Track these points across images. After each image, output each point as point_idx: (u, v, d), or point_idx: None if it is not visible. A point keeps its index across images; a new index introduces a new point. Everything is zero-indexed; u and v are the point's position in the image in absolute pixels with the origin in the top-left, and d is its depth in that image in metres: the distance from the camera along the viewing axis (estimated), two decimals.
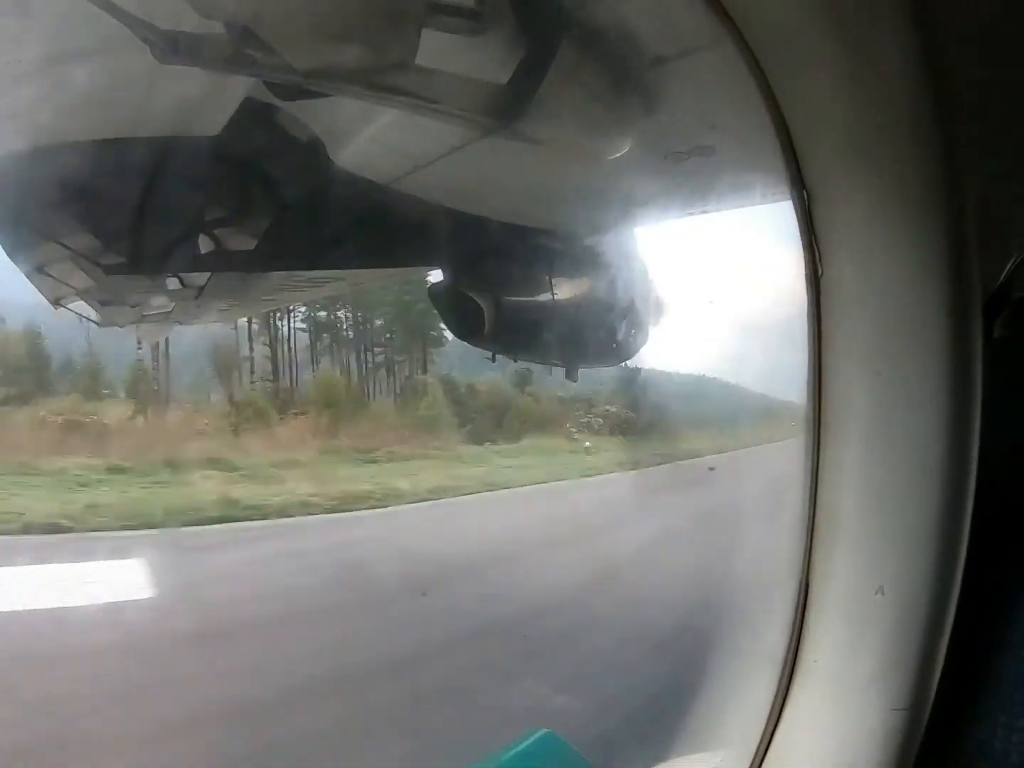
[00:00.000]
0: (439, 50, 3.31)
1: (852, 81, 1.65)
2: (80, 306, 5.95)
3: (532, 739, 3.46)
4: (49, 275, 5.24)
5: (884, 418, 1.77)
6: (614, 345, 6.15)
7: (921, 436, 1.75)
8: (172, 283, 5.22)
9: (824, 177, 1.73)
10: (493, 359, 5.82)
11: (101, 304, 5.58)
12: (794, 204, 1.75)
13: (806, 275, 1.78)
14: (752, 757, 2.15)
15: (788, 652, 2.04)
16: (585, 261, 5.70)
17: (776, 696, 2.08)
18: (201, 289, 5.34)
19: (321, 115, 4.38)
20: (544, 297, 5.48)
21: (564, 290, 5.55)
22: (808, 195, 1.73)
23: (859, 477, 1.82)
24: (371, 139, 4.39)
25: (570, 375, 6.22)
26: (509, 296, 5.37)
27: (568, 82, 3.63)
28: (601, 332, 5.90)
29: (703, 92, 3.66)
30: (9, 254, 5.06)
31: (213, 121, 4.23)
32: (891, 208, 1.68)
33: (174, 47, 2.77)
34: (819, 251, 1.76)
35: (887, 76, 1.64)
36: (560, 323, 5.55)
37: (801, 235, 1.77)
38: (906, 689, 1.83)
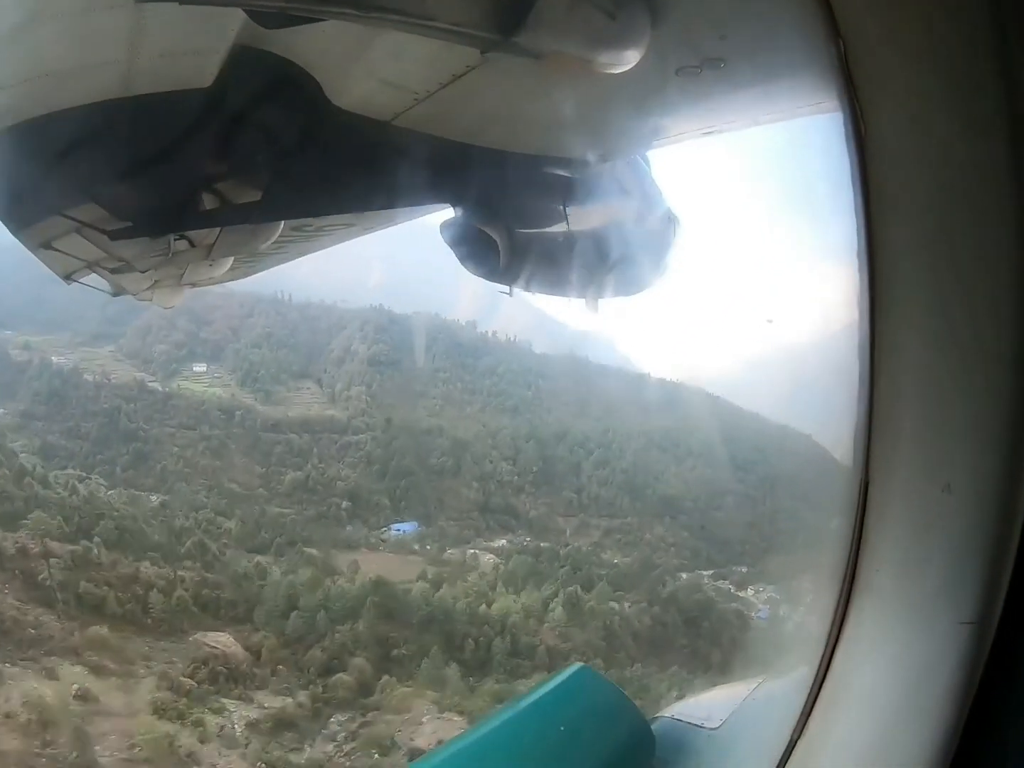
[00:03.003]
0: None
1: None
2: (92, 279, 5.90)
3: (567, 672, 3.49)
4: (57, 250, 5.17)
5: (945, 293, 1.60)
6: (633, 274, 6.02)
7: (988, 312, 1.57)
8: (180, 244, 5.14)
9: (860, 23, 1.52)
10: (510, 293, 5.72)
11: (111, 273, 5.52)
12: (831, 58, 1.56)
13: (848, 135, 1.60)
14: (812, 680, 2.02)
15: (847, 561, 1.90)
16: (599, 188, 5.55)
17: (836, 611, 1.95)
18: (211, 247, 5.26)
19: (314, 54, 4.23)
20: (559, 227, 5.36)
21: (579, 219, 5.42)
22: (844, 45, 1.54)
23: (920, 361, 1.67)
24: (368, 74, 4.24)
25: (590, 306, 6.11)
26: (523, 228, 5.24)
27: None
28: (619, 261, 5.77)
29: None
30: (14, 233, 5.00)
31: (203, 72, 4.10)
32: (939, 51, 1.48)
33: None
34: (860, 107, 1.57)
35: None
36: (576, 253, 5.43)
37: (839, 92, 1.58)
38: (974, 600, 1.67)
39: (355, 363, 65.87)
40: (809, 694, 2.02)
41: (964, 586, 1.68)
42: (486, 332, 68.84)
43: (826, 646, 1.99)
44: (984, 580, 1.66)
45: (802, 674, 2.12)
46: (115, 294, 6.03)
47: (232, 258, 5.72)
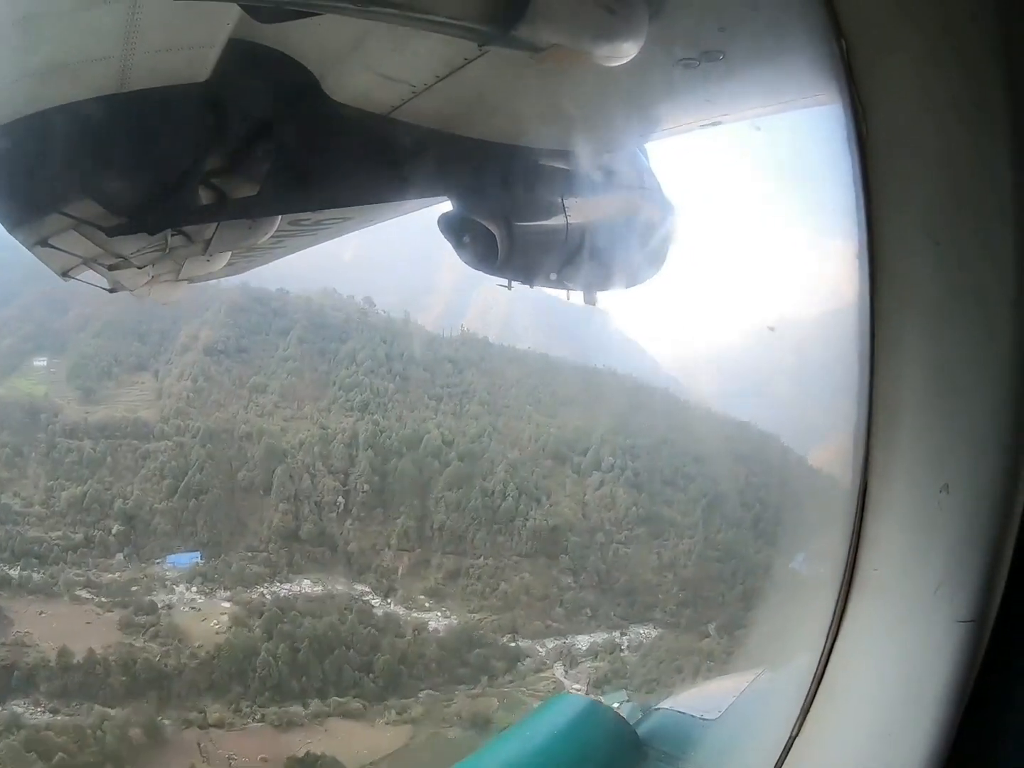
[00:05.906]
0: None
1: None
2: (89, 275, 5.88)
3: (555, 702, 3.61)
4: (54, 247, 5.14)
5: (946, 294, 1.60)
6: (632, 267, 6.02)
7: (987, 313, 1.56)
8: (177, 239, 5.12)
9: (863, 23, 1.52)
10: (509, 287, 5.71)
11: (109, 269, 5.49)
12: (833, 58, 1.56)
13: (850, 136, 1.59)
14: (810, 676, 2.04)
15: (846, 560, 1.92)
16: (598, 181, 5.54)
17: (835, 609, 1.97)
18: (208, 242, 5.24)
19: (311, 48, 4.21)
20: (558, 220, 5.35)
21: (578, 212, 5.41)
22: (847, 45, 1.53)
23: (920, 362, 1.68)
24: (365, 68, 4.22)
25: (588, 299, 6.11)
26: (521, 221, 5.22)
27: None
28: (618, 254, 5.77)
29: None
30: (10, 231, 4.97)
31: (200, 67, 4.08)
32: (941, 52, 1.47)
33: None
34: (863, 108, 1.57)
35: None
36: (575, 246, 5.42)
37: (841, 92, 1.58)
38: (972, 598, 1.68)
39: (194, 352, 54.65)
40: (808, 691, 2.03)
41: (962, 585, 1.69)
42: (377, 311, 57.80)
43: (825, 643, 2.00)
44: (982, 579, 1.67)
45: (800, 670, 2.13)
46: (112, 290, 6.01)
47: (229, 253, 5.70)
